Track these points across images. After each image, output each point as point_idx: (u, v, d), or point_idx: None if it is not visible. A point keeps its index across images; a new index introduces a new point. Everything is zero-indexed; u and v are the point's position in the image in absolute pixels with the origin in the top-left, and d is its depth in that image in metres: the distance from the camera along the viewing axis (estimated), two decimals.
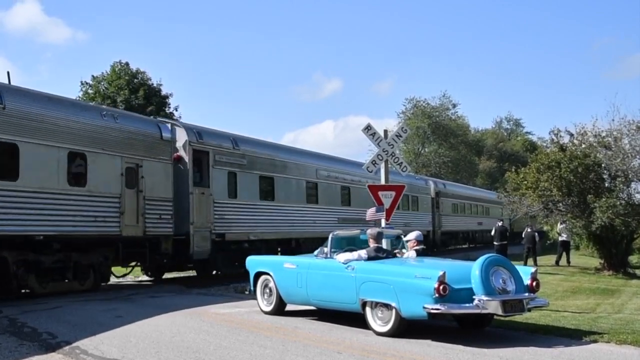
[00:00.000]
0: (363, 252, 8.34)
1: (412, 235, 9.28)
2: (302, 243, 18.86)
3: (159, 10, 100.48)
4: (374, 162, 12.03)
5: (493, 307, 7.08)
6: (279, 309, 9.42)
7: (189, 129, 15.41)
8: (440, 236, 31.82)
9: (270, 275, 9.48)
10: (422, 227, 24.76)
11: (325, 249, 8.94)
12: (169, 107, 37.47)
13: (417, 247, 9.08)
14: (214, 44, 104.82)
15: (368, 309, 7.85)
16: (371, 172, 12.28)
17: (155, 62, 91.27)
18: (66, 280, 12.34)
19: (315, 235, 19.32)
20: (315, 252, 9.33)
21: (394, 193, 11.76)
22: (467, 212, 36.78)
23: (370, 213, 11.54)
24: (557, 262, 23.51)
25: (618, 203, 18.85)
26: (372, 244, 8.62)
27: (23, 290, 11.64)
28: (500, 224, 22.43)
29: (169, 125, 15.05)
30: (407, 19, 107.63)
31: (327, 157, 22.92)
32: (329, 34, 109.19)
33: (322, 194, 20.54)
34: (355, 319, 8.24)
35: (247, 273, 10.18)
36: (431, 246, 27.78)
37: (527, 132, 78.47)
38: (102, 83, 36.23)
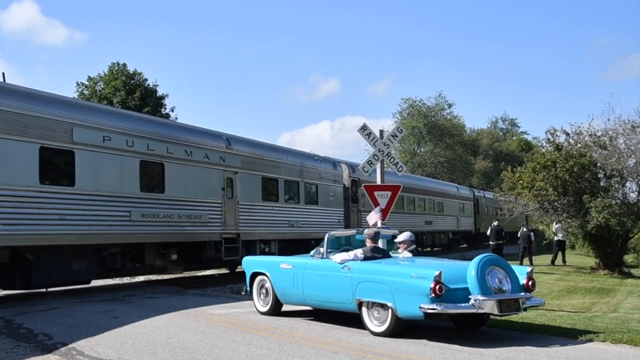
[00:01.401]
0: (359, 252, 8.35)
1: (404, 237, 9.17)
2: (35, 254, 11.37)
3: (156, 12, 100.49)
4: (370, 163, 12.05)
5: (489, 306, 7.10)
6: (276, 310, 9.43)
7: None
8: None
9: (267, 276, 9.49)
10: (327, 228, 16.61)
11: (322, 249, 8.96)
12: (165, 108, 37.48)
13: (410, 248, 9.07)
14: (211, 45, 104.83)
15: (364, 309, 7.86)
16: (367, 172, 12.26)
17: (152, 63, 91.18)
18: None
19: (75, 240, 11.93)
20: (312, 253, 9.35)
21: (389, 193, 11.77)
22: (408, 208, 27.69)
23: (371, 217, 11.40)
24: (552, 262, 23.56)
25: (613, 203, 18.91)
26: (368, 244, 8.62)
27: None
28: (496, 223, 22.45)
29: None
30: (404, 20, 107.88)
31: (99, 109, 14.08)
32: (326, 34, 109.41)
33: (85, 170, 12.17)
34: (352, 319, 8.27)
35: None
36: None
37: (522, 132, 78.71)
38: (99, 84, 36.19)
